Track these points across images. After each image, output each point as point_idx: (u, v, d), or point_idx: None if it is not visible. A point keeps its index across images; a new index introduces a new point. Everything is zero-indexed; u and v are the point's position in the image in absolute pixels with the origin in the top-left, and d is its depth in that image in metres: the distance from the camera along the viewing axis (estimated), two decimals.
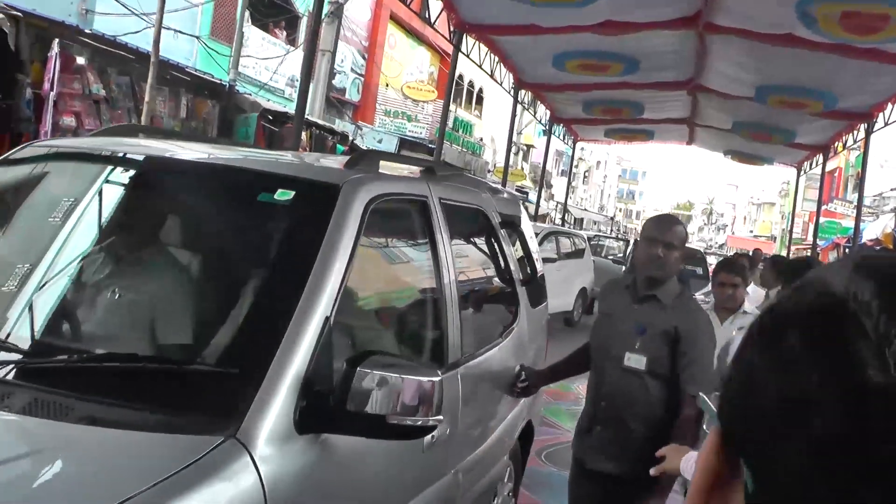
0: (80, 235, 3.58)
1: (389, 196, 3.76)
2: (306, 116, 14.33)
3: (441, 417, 2.91)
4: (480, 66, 21.95)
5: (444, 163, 7.81)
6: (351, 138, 26.92)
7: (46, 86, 14.33)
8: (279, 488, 2.50)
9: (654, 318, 4.43)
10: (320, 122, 25.20)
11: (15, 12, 12.55)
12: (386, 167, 4.26)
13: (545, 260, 18.10)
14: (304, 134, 17.91)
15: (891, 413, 0.63)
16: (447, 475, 4.09)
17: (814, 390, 0.67)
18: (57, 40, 14.34)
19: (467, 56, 20.48)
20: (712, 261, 30.34)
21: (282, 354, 2.71)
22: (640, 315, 4.48)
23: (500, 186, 6.95)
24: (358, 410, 2.70)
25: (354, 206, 3.35)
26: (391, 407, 2.72)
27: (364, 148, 27.49)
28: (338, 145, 24.77)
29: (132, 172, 3.89)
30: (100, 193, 3.77)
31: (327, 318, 2.87)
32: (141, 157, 3.87)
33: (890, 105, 19.76)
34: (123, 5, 18.01)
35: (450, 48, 20.13)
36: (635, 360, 4.40)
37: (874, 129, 21.38)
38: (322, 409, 2.72)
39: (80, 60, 15.03)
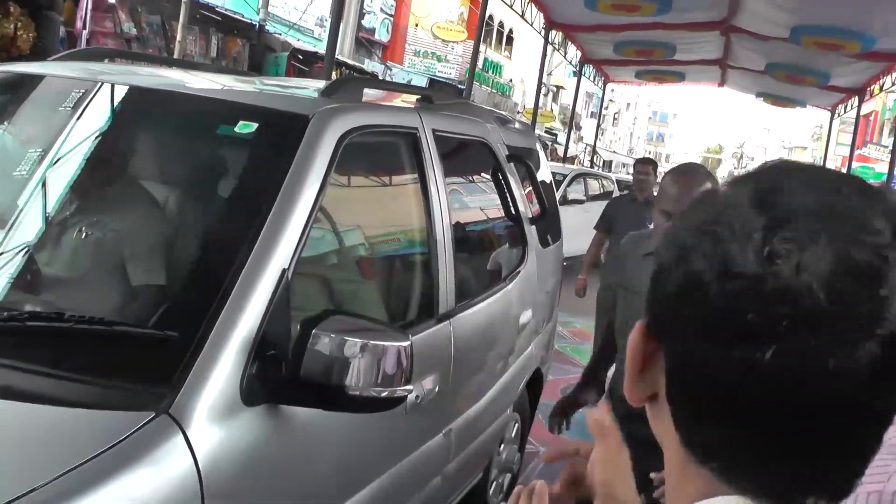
0: (26, 167, 3.21)
1: (369, 128, 3.37)
2: (336, 56, 14.07)
3: (411, 388, 2.55)
4: (511, 7, 21.59)
5: (443, 92, 7.40)
6: (380, 78, 26.70)
7: (79, 24, 14.47)
8: (219, 471, 2.18)
9: None
10: (350, 62, 24.99)
11: None
12: (374, 96, 3.89)
13: (573, 202, 17.95)
14: (333, 74, 17.70)
15: (747, 290, 0.81)
16: (437, 436, 3.75)
17: (695, 276, 0.85)
18: None
19: None
20: None
21: (228, 314, 2.34)
22: None
23: (510, 116, 6.50)
24: (314, 379, 2.34)
25: (325, 139, 2.95)
26: (352, 376, 2.35)
27: None
28: None
29: (82, 99, 3.42)
30: (47, 120, 3.43)
31: (284, 271, 2.50)
32: (92, 83, 3.42)
33: None
34: None
35: None
36: None
37: None
38: (273, 377, 2.37)
39: None
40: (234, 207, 2.96)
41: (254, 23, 19.85)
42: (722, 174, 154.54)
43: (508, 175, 5.04)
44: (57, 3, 13.24)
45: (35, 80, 3.62)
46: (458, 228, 4.05)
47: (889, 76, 23.76)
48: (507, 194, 5.00)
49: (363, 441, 3.05)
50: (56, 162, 3.23)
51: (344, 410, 2.47)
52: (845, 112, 32.65)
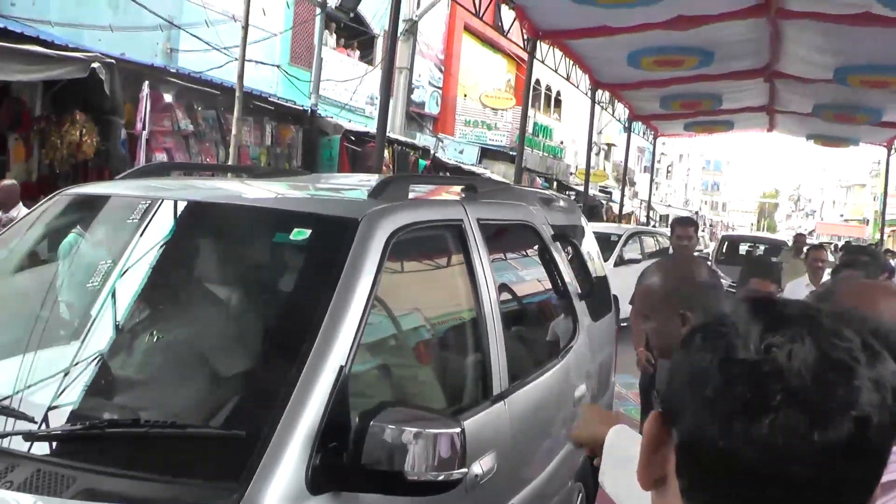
0: (98, 278, 3.49)
1: (416, 225, 3.58)
2: (387, 134, 14.39)
3: (466, 470, 2.73)
4: (556, 71, 21.91)
5: (488, 179, 7.60)
6: (432, 151, 27.03)
7: (139, 125, 14.90)
8: None
9: None
10: (401, 138, 25.37)
11: (108, 59, 12.92)
12: (420, 191, 4.11)
13: (629, 261, 18.03)
14: (385, 151, 18.01)
15: (749, 374, 1.02)
16: None
17: (703, 366, 1.06)
18: (147, 82, 14.92)
19: (542, 62, 20.46)
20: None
21: (292, 410, 2.55)
22: None
23: (554, 195, 6.70)
24: (374, 467, 2.53)
25: (374, 240, 3.18)
26: (409, 462, 2.54)
27: (446, 160, 27.60)
28: (420, 160, 24.92)
29: (146, 216, 3.73)
30: (117, 236, 3.72)
31: (342, 367, 2.70)
32: (152, 201, 3.72)
33: None
34: (205, 42, 18.54)
35: (525, 55, 20.12)
36: None
37: None
38: (336, 466, 2.56)
39: (168, 99, 15.57)
40: (293, 309, 3.16)
41: (305, 108, 20.23)
42: (779, 218, 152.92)
43: (555, 254, 5.24)
44: (118, 107, 13.66)
45: (105, 200, 3.92)
46: (507, 310, 4.23)
47: None
48: (555, 272, 5.20)
49: None
50: (125, 273, 3.51)
51: (402, 495, 2.65)
52: None
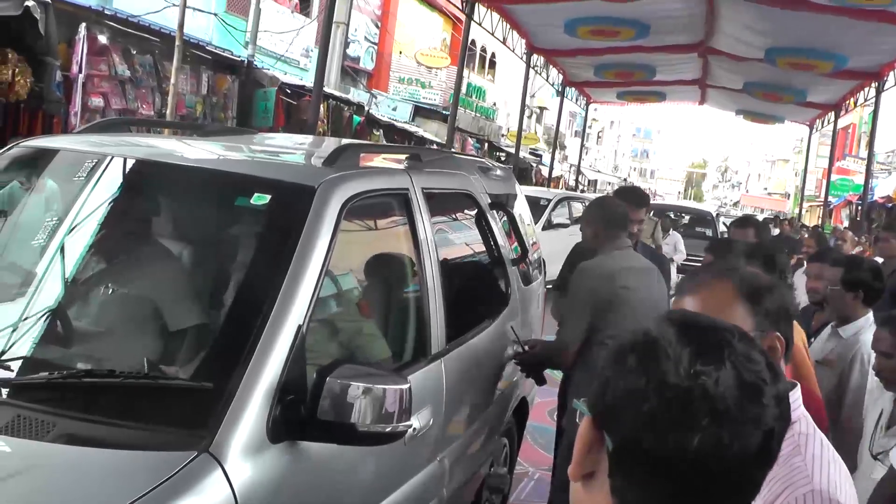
0: (59, 239, 3.67)
1: (367, 193, 3.80)
2: (323, 89, 14.46)
3: (410, 423, 3.01)
4: (493, 34, 22.04)
5: (430, 149, 7.82)
6: (366, 108, 27.02)
7: (75, 68, 14.80)
8: (253, 499, 2.60)
9: None
10: (336, 93, 25.36)
11: None
12: (369, 159, 4.33)
13: (557, 226, 18.28)
14: (321, 106, 18.05)
15: (682, 398, 1.24)
16: (433, 463, 4.18)
17: (640, 386, 1.27)
18: (84, 24, 14.79)
19: (479, 24, 20.54)
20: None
21: (254, 366, 2.78)
22: None
23: (491, 163, 6.93)
24: (329, 419, 2.78)
25: (330, 207, 3.39)
26: (360, 415, 2.80)
27: (379, 117, 27.66)
28: (354, 116, 24.98)
29: (108, 175, 3.90)
30: (74, 195, 3.87)
31: (300, 327, 2.93)
32: (115, 160, 3.91)
33: None
34: None
35: (462, 15, 20.20)
36: None
37: (885, 88, 21.64)
38: (294, 417, 2.80)
39: (105, 42, 15.46)
40: (255, 272, 3.36)
41: (242, 59, 20.15)
42: (706, 188, 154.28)
43: (491, 221, 5.52)
44: (53, 48, 13.55)
45: (55, 153, 4.09)
46: (447, 275, 4.47)
47: (862, 92, 24.37)
48: (491, 239, 5.47)
49: (369, 471, 3.50)
50: (74, 229, 3.71)
51: (353, 444, 2.92)
52: (823, 126, 33.25)
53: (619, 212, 5.36)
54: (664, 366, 1.27)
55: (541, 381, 5.60)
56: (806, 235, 17.92)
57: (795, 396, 2.18)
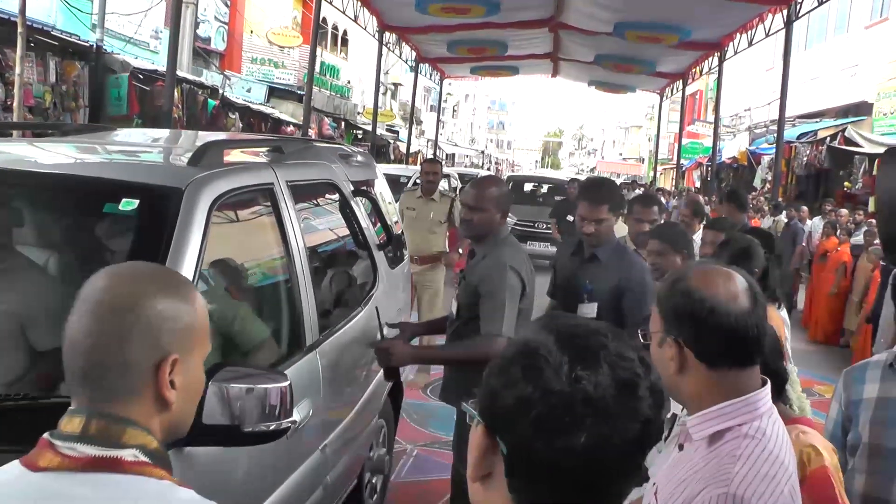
0: None
1: (234, 191, 3.81)
2: (176, 73, 14.22)
3: (294, 418, 3.07)
4: (344, 13, 21.97)
5: (290, 138, 7.80)
6: (220, 91, 26.62)
7: None
8: None
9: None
10: (190, 76, 24.90)
11: None
12: (233, 154, 4.34)
13: None
14: (175, 92, 17.69)
15: (566, 403, 1.35)
16: (315, 453, 4.25)
17: (526, 395, 1.38)
18: None
19: (330, 3, 20.45)
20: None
21: None
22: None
23: (352, 149, 6.97)
24: (213, 423, 2.79)
25: (198, 208, 3.40)
26: (244, 416, 2.84)
27: (234, 99, 27.28)
28: (209, 100, 24.57)
29: None
30: None
31: None
32: None
33: (738, 35, 20.87)
34: None
35: None
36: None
37: (726, 58, 22.77)
38: None
39: None
40: None
41: (90, 44, 19.54)
42: (563, 156, 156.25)
43: (355, 208, 5.59)
44: None
45: None
46: (315, 265, 4.53)
47: (706, 62, 25.48)
48: (356, 226, 5.54)
49: (255, 468, 3.54)
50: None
51: (239, 445, 2.97)
52: (672, 94, 34.48)
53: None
54: (547, 374, 1.38)
55: (391, 375, 5.13)
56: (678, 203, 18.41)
57: (760, 397, 2.25)
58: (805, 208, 18.18)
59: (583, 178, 34.54)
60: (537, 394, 1.37)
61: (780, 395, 2.87)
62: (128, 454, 1.63)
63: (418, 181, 11.69)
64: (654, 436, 1.44)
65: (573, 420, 1.35)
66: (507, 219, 5.07)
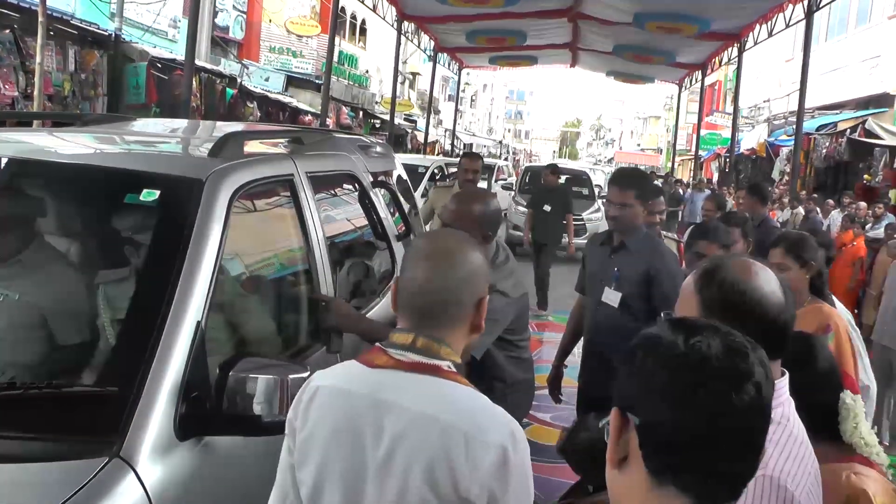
0: None
1: (254, 183, 3.81)
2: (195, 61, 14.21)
3: None
4: (362, 2, 21.97)
5: (310, 129, 7.79)
6: (239, 80, 26.68)
7: None
8: (165, 498, 2.62)
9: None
10: (208, 66, 24.97)
11: None
12: (253, 145, 4.35)
13: None
14: (193, 81, 17.71)
15: (684, 362, 1.51)
16: None
17: (649, 367, 1.53)
18: None
19: None
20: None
21: (157, 366, 2.79)
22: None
23: (371, 140, 6.99)
24: (234, 412, 2.83)
25: (219, 199, 3.40)
26: (264, 406, 2.86)
27: (252, 88, 27.32)
28: (227, 89, 24.64)
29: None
30: None
31: (198, 323, 2.95)
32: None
33: (758, 26, 20.78)
34: None
35: None
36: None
37: (745, 49, 22.64)
38: (200, 413, 2.83)
39: None
40: (150, 270, 3.36)
41: (110, 33, 19.61)
42: (581, 146, 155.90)
43: (374, 199, 5.58)
44: None
45: None
46: (335, 256, 4.53)
47: (726, 52, 25.37)
48: (375, 217, 5.54)
49: (276, 458, 3.53)
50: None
51: (258, 435, 2.96)
52: (691, 84, 34.33)
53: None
54: (664, 346, 1.54)
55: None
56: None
57: (782, 385, 2.29)
58: (830, 201, 18.15)
59: (572, 166, 34.52)
60: (659, 362, 1.53)
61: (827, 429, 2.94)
62: (444, 364, 2.27)
63: (446, 174, 11.44)
64: (767, 407, 1.54)
65: (693, 379, 1.49)
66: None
